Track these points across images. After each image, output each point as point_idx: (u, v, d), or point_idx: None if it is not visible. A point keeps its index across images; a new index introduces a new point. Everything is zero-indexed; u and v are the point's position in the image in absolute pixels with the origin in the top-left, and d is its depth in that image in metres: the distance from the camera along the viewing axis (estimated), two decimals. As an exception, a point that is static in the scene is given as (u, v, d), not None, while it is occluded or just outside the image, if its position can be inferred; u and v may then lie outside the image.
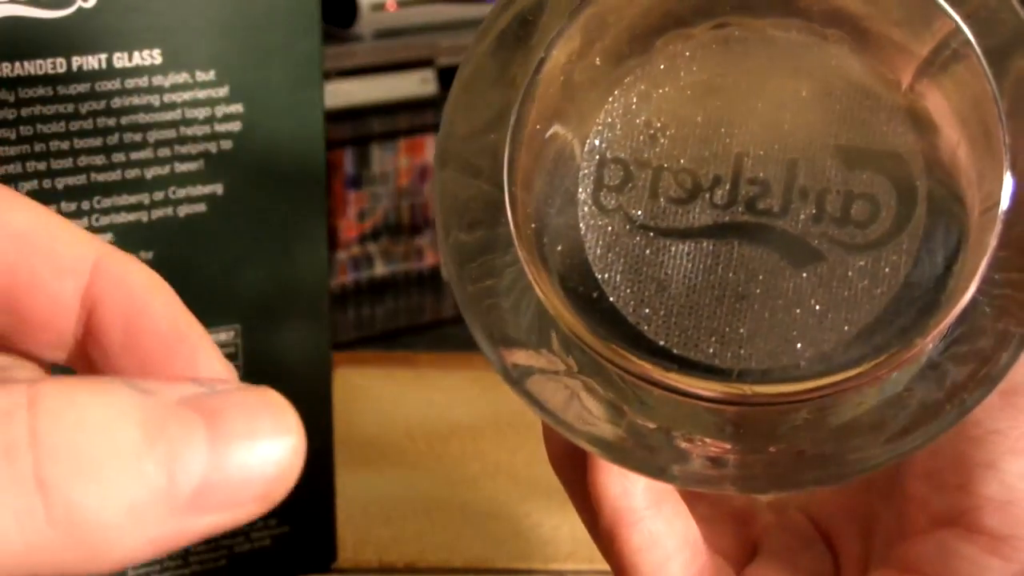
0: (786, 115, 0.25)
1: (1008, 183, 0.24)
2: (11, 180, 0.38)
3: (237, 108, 0.40)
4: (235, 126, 0.40)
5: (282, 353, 0.44)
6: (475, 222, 0.27)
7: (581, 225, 0.26)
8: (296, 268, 0.43)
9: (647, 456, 0.27)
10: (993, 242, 0.24)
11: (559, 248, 0.26)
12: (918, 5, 0.25)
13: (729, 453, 0.27)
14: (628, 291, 0.26)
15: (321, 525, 0.47)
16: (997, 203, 0.24)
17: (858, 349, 0.25)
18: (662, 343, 0.26)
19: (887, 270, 0.25)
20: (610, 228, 0.26)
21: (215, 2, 0.39)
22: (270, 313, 0.43)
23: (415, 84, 1.50)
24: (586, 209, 0.26)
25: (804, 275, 0.25)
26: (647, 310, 0.26)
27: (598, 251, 0.26)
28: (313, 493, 0.46)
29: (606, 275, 0.26)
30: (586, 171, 0.26)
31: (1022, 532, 0.26)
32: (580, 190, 0.26)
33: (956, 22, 0.24)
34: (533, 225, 0.26)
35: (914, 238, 0.25)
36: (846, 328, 0.25)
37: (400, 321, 1.60)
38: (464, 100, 0.27)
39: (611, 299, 0.26)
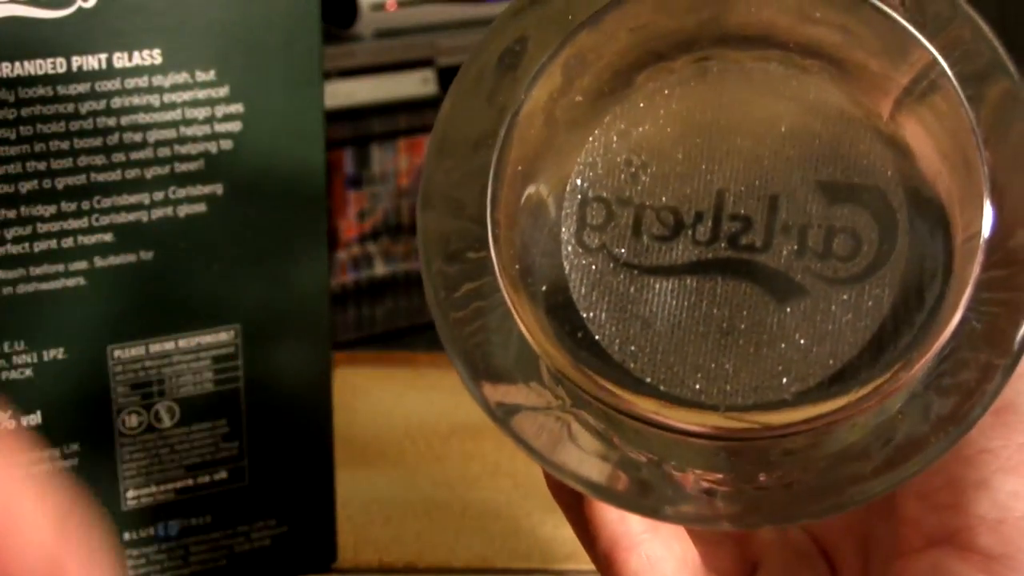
0: (766, 150, 0.26)
1: (988, 212, 0.24)
2: (11, 180, 0.38)
3: (237, 108, 0.40)
4: (235, 126, 0.40)
5: (282, 353, 0.44)
6: (458, 254, 0.27)
7: (565, 264, 0.26)
8: (296, 268, 0.43)
9: (639, 495, 0.27)
10: (976, 271, 0.24)
11: (544, 287, 0.26)
12: (895, 37, 0.25)
13: (721, 484, 0.27)
14: (613, 329, 0.26)
15: (321, 525, 0.47)
16: (979, 232, 0.24)
17: (843, 382, 0.25)
18: (648, 380, 0.26)
19: (870, 303, 0.25)
20: (594, 267, 0.26)
21: (215, 2, 0.39)
22: (270, 313, 0.43)
23: (415, 84, 1.50)
24: (569, 248, 0.26)
25: (788, 310, 0.25)
26: (632, 347, 0.26)
27: (583, 290, 0.26)
28: (313, 493, 0.46)
29: (591, 314, 0.26)
30: (568, 210, 0.26)
31: (1015, 551, 0.25)
32: (563, 229, 0.26)
33: (932, 54, 0.24)
34: (517, 265, 0.26)
35: (896, 271, 0.25)
36: (831, 362, 0.25)
37: (400, 321, 1.60)
38: (448, 137, 0.27)
39: (596, 337, 0.26)
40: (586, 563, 0.49)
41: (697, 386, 0.26)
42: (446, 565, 0.49)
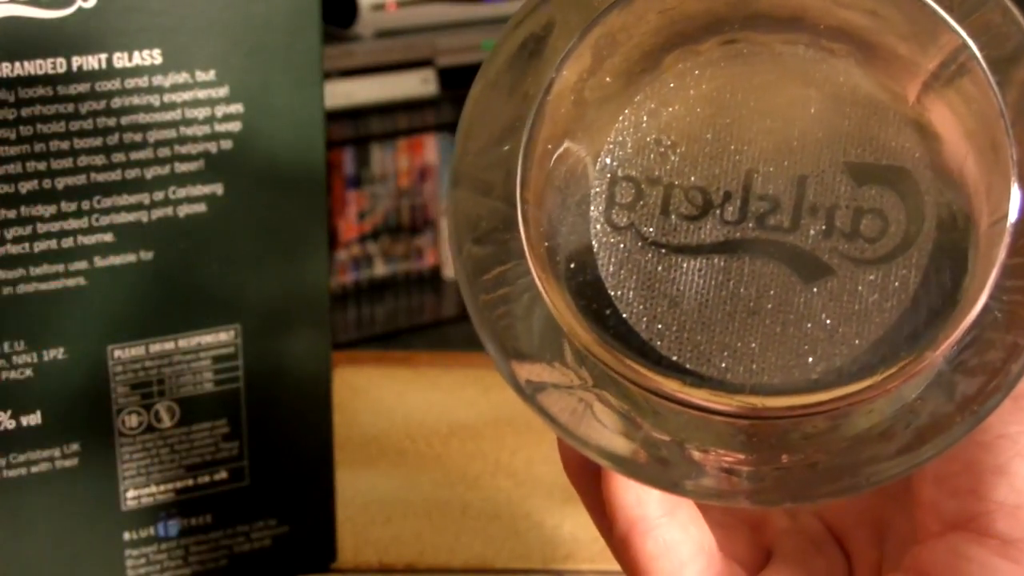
0: (795, 131, 0.26)
1: (1016, 195, 0.24)
2: (11, 180, 0.38)
3: (237, 108, 0.40)
4: (235, 126, 0.40)
5: (282, 353, 0.44)
6: (487, 236, 0.27)
7: (594, 243, 0.27)
8: (296, 268, 0.43)
9: (660, 470, 0.27)
10: (1002, 254, 0.24)
11: (572, 266, 0.27)
12: (924, 20, 0.25)
13: (742, 464, 0.27)
14: (641, 307, 0.26)
15: (321, 525, 0.47)
16: (1005, 215, 0.24)
17: (869, 362, 0.25)
18: (675, 358, 0.26)
19: (897, 284, 0.25)
20: (622, 245, 0.27)
21: (215, 2, 0.39)
22: (270, 313, 0.43)
23: (415, 84, 1.51)
24: (598, 227, 0.27)
25: (815, 290, 0.26)
26: (660, 326, 0.26)
27: (611, 268, 0.27)
28: (313, 493, 0.46)
29: (619, 292, 0.27)
30: (598, 189, 0.27)
31: None
32: (592, 208, 0.27)
33: (962, 37, 0.24)
34: (546, 244, 0.27)
35: (923, 252, 0.25)
36: (857, 342, 0.25)
37: (400, 321, 1.60)
38: (477, 119, 0.27)
39: (624, 315, 0.26)
40: (586, 563, 0.49)
41: (723, 364, 0.26)
42: (446, 565, 0.49)
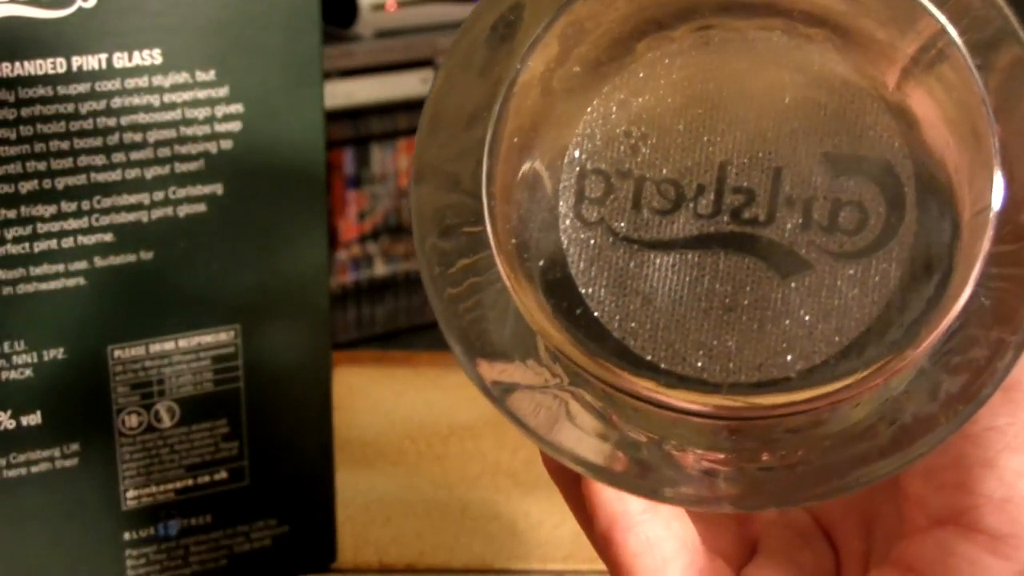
0: (770, 121, 0.25)
1: (999, 183, 0.24)
2: (11, 180, 0.38)
3: (237, 108, 0.40)
4: (235, 126, 0.40)
5: (282, 353, 0.44)
6: (453, 230, 0.27)
7: (563, 239, 0.26)
8: (296, 268, 0.43)
9: (638, 476, 0.26)
10: (986, 246, 0.24)
11: (541, 263, 0.26)
12: (902, 5, 0.24)
13: (723, 464, 0.26)
14: (613, 305, 0.26)
15: (321, 525, 0.47)
16: (989, 205, 0.24)
17: (849, 360, 0.25)
18: (649, 358, 0.25)
19: (877, 278, 0.24)
20: (592, 241, 0.26)
21: (215, 2, 0.39)
22: (270, 313, 0.43)
23: (415, 84, 1.50)
24: (567, 222, 0.26)
25: (792, 285, 0.25)
26: (633, 324, 0.26)
27: (581, 265, 0.26)
28: (313, 493, 0.46)
29: (590, 289, 0.26)
30: (566, 183, 0.26)
31: (1020, 530, 0.25)
32: (561, 203, 0.26)
33: (940, 21, 0.24)
34: (514, 240, 0.26)
35: (904, 245, 0.24)
36: (836, 339, 0.25)
37: (400, 321, 1.60)
38: (439, 114, 0.27)
39: (595, 314, 0.26)
40: (586, 563, 0.49)
41: (699, 364, 0.25)
42: (446, 565, 0.49)
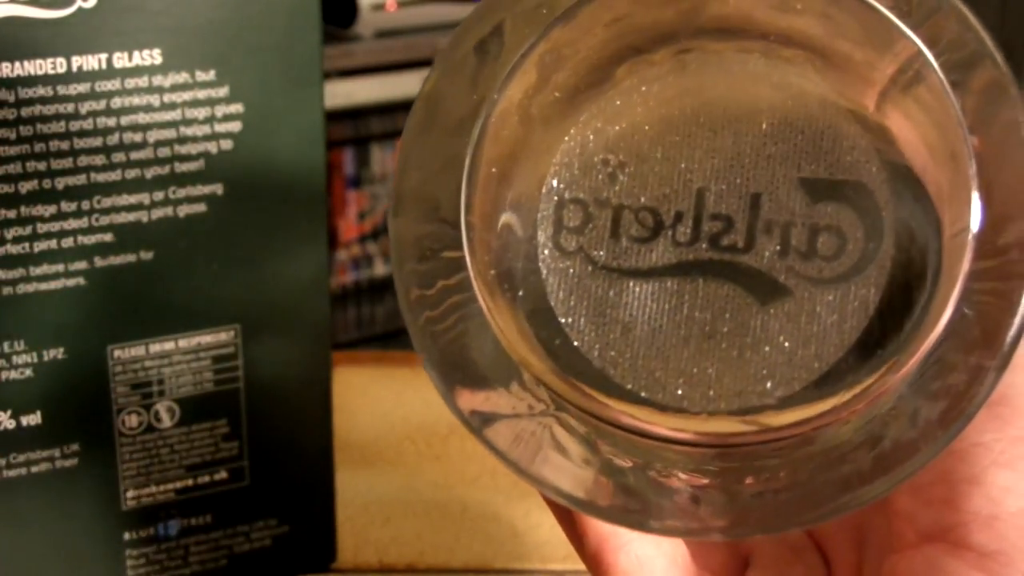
0: (747, 147, 0.25)
1: (976, 204, 0.23)
2: (11, 180, 0.38)
3: (237, 108, 0.40)
4: (235, 126, 0.40)
5: (282, 353, 0.44)
6: (433, 253, 0.26)
7: (542, 268, 0.26)
8: (296, 268, 0.43)
9: (623, 509, 0.26)
10: (965, 268, 0.23)
11: (520, 293, 0.26)
12: (878, 26, 0.24)
13: (709, 488, 0.26)
14: (593, 335, 0.25)
15: (321, 525, 0.47)
16: (967, 226, 0.23)
17: (829, 385, 0.24)
18: (629, 387, 0.25)
19: (856, 304, 0.24)
20: (572, 270, 0.26)
21: (215, 2, 0.39)
22: (270, 313, 0.43)
23: (415, 84, 1.50)
24: (546, 252, 0.26)
25: (771, 312, 0.25)
26: (613, 353, 0.25)
27: (560, 295, 0.26)
28: (313, 493, 0.46)
29: (570, 319, 0.26)
30: (545, 213, 0.26)
31: (1008, 547, 0.25)
32: (539, 232, 0.26)
33: (916, 44, 0.24)
34: (493, 271, 0.26)
35: (882, 270, 0.24)
36: (816, 364, 0.24)
37: (400, 321, 1.60)
38: (418, 142, 0.26)
39: (576, 343, 0.25)
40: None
41: (680, 392, 0.25)
42: (446, 565, 0.49)
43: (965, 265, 0.23)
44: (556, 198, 0.26)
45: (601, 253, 0.26)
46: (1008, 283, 0.24)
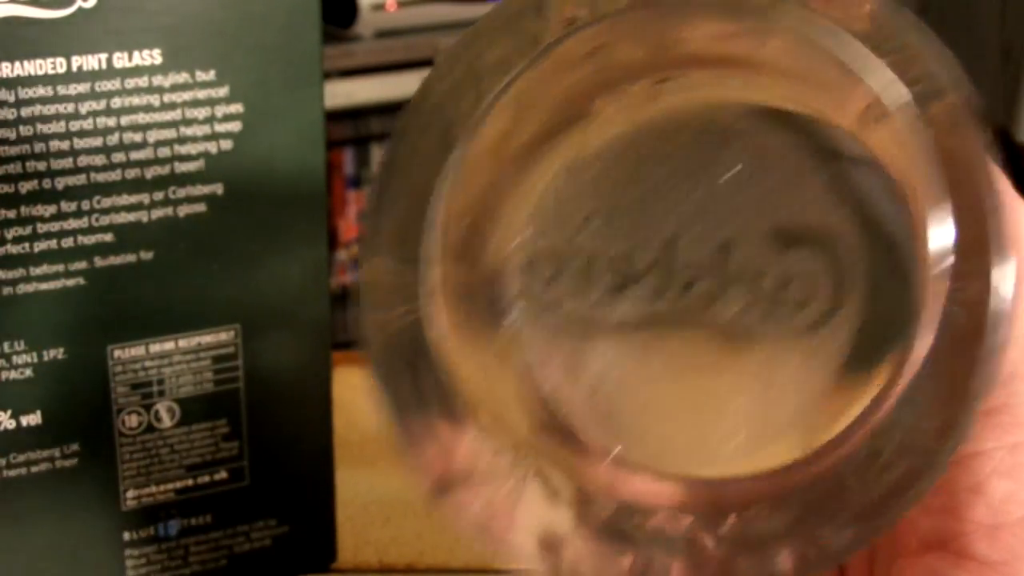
0: (719, 194, 0.24)
1: (950, 238, 0.22)
2: (11, 180, 0.38)
3: (237, 108, 0.40)
4: (235, 126, 0.40)
5: (282, 353, 0.44)
6: (402, 301, 0.26)
7: (515, 319, 0.25)
8: (296, 268, 0.43)
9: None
10: (939, 308, 0.22)
11: (492, 343, 0.25)
12: (842, 67, 0.23)
13: (691, 531, 0.25)
14: (565, 390, 0.25)
15: (321, 525, 0.47)
16: (943, 266, 0.22)
17: (799, 436, 0.24)
18: (602, 444, 0.25)
19: (828, 353, 0.24)
20: (545, 322, 0.25)
21: (215, 2, 0.39)
22: (270, 313, 0.43)
23: (415, 84, 1.50)
24: (520, 304, 0.25)
25: (743, 362, 0.24)
26: (584, 410, 0.25)
27: (535, 348, 0.25)
28: (313, 493, 0.46)
29: (542, 373, 0.25)
30: (516, 262, 0.25)
31: (1011, 557, 0.25)
32: (511, 283, 0.25)
33: (889, 75, 0.23)
34: (464, 322, 0.25)
35: (854, 317, 0.23)
36: (791, 413, 0.24)
37: (400, 321, 1.60)
38: (393, 185, 0.26)
39: (546, 399, 0.25)
40: (586, 563, 0.49)
41: (652, 450, 0.24)
42: (446, 565, 0.49)
43: (939, 307, 0.22)
44: (528, 247, 0.25)
45: (574, 304, 0.25)
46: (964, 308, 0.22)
